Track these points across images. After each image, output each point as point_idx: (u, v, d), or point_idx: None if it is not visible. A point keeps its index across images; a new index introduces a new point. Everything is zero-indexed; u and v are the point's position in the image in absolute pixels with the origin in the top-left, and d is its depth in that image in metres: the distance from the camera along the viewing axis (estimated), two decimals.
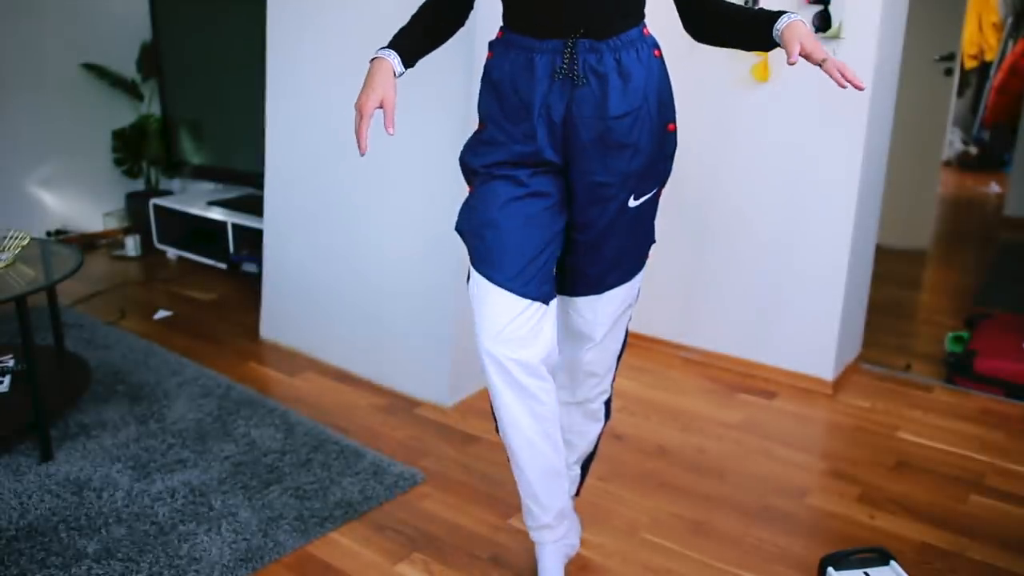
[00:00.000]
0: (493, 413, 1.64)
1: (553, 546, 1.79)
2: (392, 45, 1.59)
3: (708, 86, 2.86)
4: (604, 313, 1.71)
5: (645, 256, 1.74)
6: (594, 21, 1.50)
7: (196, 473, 2.23)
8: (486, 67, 1.63)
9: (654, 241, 1.74)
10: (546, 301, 1.59)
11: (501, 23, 1.60)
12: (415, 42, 1.62)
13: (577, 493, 2.00)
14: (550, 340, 1.60)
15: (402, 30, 1.63)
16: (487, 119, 1.62)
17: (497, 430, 1.66)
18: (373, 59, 1.57)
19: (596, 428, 1.89)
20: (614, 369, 1.83)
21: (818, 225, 2.73)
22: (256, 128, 3.25)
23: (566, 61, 1.51)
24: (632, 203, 1.62)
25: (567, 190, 1.62)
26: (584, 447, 1.91)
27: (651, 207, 1.68)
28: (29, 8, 3.94)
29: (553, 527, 1.75)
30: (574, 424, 1.85)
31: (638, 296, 1.78)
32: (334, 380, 2.86)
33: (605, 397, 1.86)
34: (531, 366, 1.56)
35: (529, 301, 1.55)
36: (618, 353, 1.82)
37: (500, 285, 1.55)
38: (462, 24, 1.70)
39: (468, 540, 2.00)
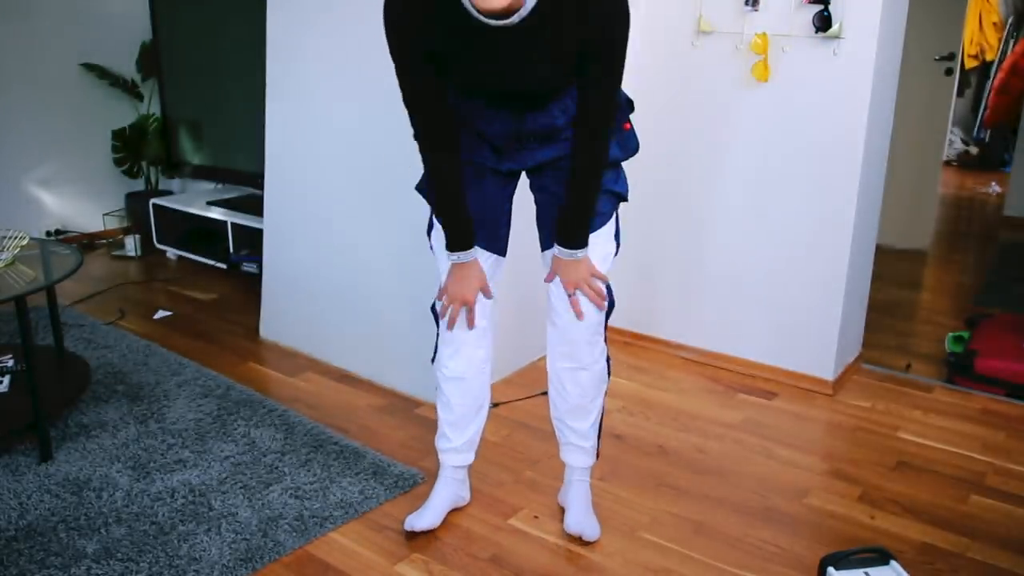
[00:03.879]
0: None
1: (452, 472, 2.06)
2: (465, 246, 1.82)
3: (708, 86, 2.85)
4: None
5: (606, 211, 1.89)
6: (530, 103, 1.73)
7: (196, 473, 2.23)
8: None
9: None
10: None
11: None
12: (467, 223, 1.81)
13: (597, 456, 2.06)
14: None
15: (455, 225, 1.81)
16: None
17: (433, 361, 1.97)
18: (457, 264, 1.84)
19: (603, 388, 1.98)
20: (604, 326, 1.90)
21: (818, 225, 2.73)
22: (256, 128, 3.25)
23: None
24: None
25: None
26: (596, 411, 1.99)
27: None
28: (29, 8, 3.94)
29: (460, 451, 2.05)
30: (586, 390, 1.94)
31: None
32: (334, 380, 2.86)
33: (605, 355, 1.94)
34: None
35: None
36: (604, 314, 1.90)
37: None
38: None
39: (468, 540, 1.99)
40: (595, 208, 1.76)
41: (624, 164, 1.88)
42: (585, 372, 1.91)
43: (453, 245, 1.81)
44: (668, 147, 2.98)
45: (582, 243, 1.78)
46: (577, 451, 2.01)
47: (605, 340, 1.92)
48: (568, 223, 1.77)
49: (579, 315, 1.82)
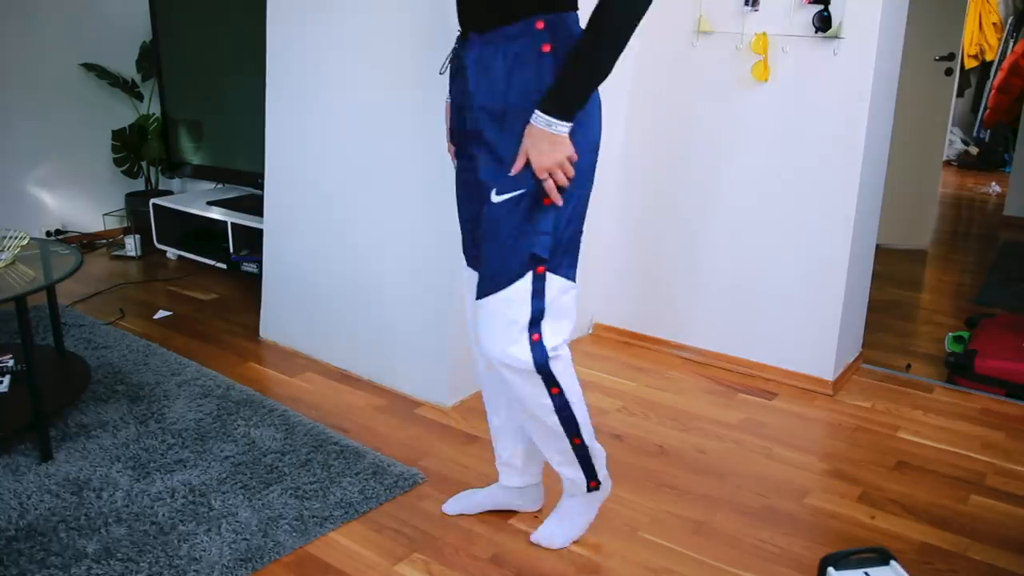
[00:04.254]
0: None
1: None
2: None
3: (708, 86, 2.85)
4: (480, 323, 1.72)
5: (513, 269, 1.65)
6: (474, 16, 1.63)
7: (196, 473, 2.23)
8: None
9: (539, 259, 1.64)
10: None
11: None
12: None
13: (589, 486, 1.92)
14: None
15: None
16: None
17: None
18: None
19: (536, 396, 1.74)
20: (517, 316, 1.68)
21: (818, 225, 2.73)
22: (256, 128, 3.25)
23: (452, 54, 1.71)
24: (494, 198, 1.64)
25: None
26: (540, 433, 1.82)
27: (519, 209, 1.62)
28: (29, 8, 3.94)
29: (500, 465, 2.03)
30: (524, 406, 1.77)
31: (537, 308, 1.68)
32: (334, 380, 2.86)
33: (527, 350, 1.69)
34: None
35: None
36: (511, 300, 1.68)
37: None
38: None
39: (468, 540, 1.99)
40: (586, 83, 1.54)
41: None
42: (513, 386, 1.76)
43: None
44: (668, 147, 2.98)
45: (563, 112, 1.53)
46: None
47: (530, 325, 1.69)
48: (556, 84, 1.55)
49: (555, 199, 1.60)
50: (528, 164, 1.59)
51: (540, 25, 1.55)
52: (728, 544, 2.00)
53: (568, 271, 1.71)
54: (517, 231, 1.63)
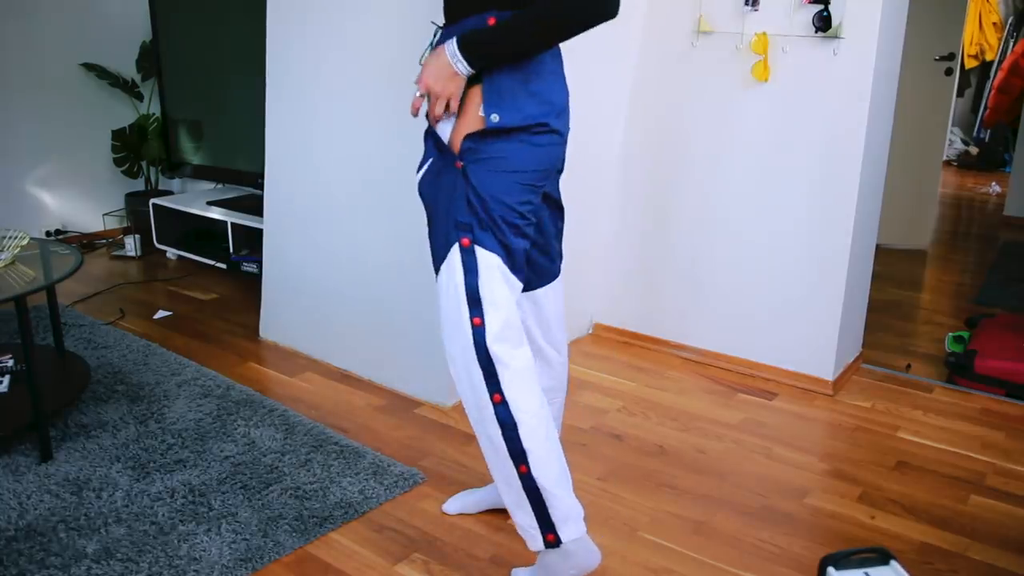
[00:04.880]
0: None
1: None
2: None
3: (708, 86, 2.85)
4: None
5: (442, 246, 1.65)
6: (445, 9, 1.65)
7: (196, 473, 2.23)
8: None
9: (461, 225, 1.61)
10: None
11: None
12: None
13: (547, 541, 1.68)
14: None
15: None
16: None
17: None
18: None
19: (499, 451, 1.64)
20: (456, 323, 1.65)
21: (818, 225, 2.73)
22: (256, 128, 3.25)
23: (427, 50, 1.69)
24: (417, 176, 1.72)
25: None
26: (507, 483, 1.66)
27: (439, 182, 1.64)
28: (29, 8, 3.94)
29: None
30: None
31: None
32: (334, 380, 2.86)
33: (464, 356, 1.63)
34: None
35: None
36: (452, 310, 1.65)
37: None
38: None
39: (468, 540, 1.99)
40: (502, 42, 1.53)
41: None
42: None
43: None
44: (667, 147, 2.98)
45: (468, 51, 1.53)
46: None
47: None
48: (480, 28, 1.55)
49: (414, 113, 1.63)
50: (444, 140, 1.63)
51: (491, 21, 1.56)
52: (728, 544, 2.00)
53: (492, 245, 1.61)
54: (444, 203, 1.64)
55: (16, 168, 4.06)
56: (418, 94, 1.62)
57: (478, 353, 1.60)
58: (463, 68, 1.55)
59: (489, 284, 1.61)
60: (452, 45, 1.55)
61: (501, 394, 1.60)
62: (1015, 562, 1.95)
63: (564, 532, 1.64)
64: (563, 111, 1.67)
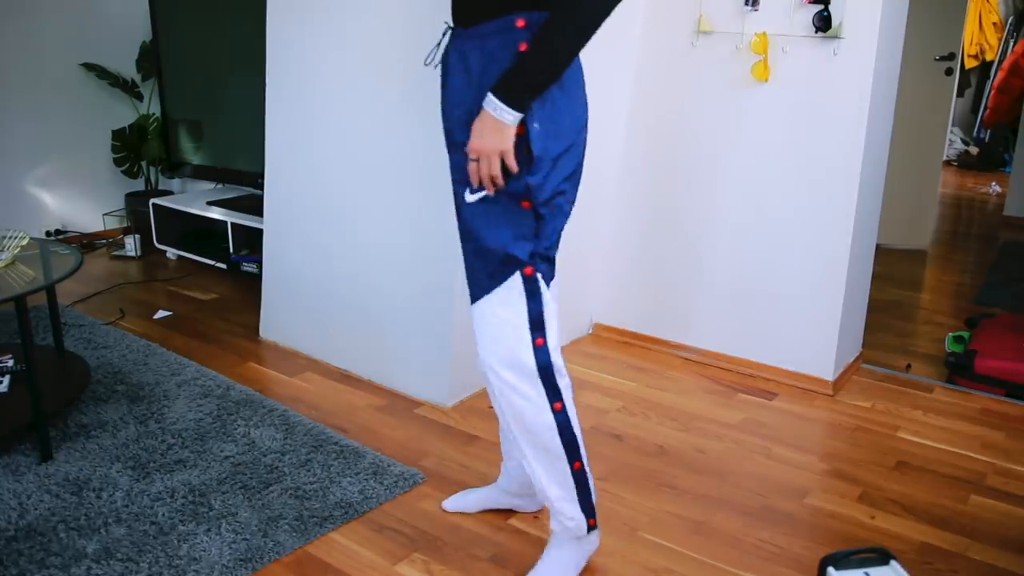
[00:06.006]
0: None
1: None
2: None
3: (708, 86, 2.85)
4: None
5: (491, 275, 1.61)
6: (460, 10, 1.59)
7: (196, 473, 2.23)
8: None
9: (518, 263, 1.59)
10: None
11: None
12: None
13: (589, 526, 1.80)
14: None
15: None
16: None
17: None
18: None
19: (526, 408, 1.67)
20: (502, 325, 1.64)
21: (818, 225, 2.73)
22: (256, 128, 3.25)
23: (435, 51, 1.66)
24: (468, 197, 1.59)
25: None
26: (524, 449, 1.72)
27: (494, 209, 1.57)
28: (28, 8, 3.94)
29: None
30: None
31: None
32: (334, 380, 2.86)
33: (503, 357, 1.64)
34: None
35: None
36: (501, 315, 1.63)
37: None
38: None
39: (468, 540, 1.99)
40: (539, 70, 1.46)
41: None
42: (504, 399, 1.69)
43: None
44: (668, 147, 2.98)
45: (510, 98, 1.46)
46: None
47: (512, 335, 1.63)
48: (511, 68, 1.47)
49: (474, 183, 1.54)
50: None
51: (520, 23, 1.49)
52: (728, 544, 2.00)
53: (545, 269, 1.64)
54: (495, 230, 1.58)
55: (16, 168, 4.06)
56: (471, 161, 1.52)
57: (542, 371, 1.64)
58: (509, 117, 1.46)
59: (548, 305, 1.65)
60: (490, 100, 1.47)
61: (561, 401, 1.68)
62: (1015, 562, 1.95)
63: (596, 514, 1.82)
64: (586, 124, 1.66)
